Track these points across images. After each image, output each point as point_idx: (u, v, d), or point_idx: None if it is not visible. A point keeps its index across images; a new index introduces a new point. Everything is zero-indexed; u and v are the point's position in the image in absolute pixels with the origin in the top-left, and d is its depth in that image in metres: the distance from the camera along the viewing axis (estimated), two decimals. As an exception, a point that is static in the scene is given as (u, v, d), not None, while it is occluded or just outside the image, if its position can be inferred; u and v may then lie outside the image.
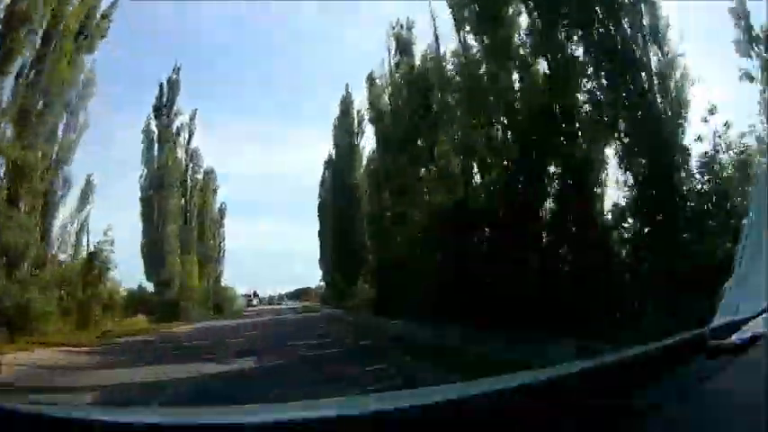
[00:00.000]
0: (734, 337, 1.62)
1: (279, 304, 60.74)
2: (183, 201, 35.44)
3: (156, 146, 32.00)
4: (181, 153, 34.21)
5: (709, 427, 1.18)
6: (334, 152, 34.86)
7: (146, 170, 32.02)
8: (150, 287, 31.83)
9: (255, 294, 70.96)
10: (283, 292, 79.82)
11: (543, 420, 1.24)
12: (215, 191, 41.05)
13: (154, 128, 32.05)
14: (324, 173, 40.38)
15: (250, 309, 50.97)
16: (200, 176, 37.30)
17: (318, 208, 42.05)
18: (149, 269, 31.57)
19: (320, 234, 42.52)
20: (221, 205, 42.79)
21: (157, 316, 27.66)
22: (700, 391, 1.35)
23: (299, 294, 74.87)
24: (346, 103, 33.41)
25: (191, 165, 35.97)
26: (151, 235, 31.91)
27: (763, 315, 1.70)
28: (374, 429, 1.31)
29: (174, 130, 32.98)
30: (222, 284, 44.40)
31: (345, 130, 33.13)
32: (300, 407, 1.81)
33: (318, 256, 44.36)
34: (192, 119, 34.58)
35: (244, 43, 69.52)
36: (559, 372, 1.69)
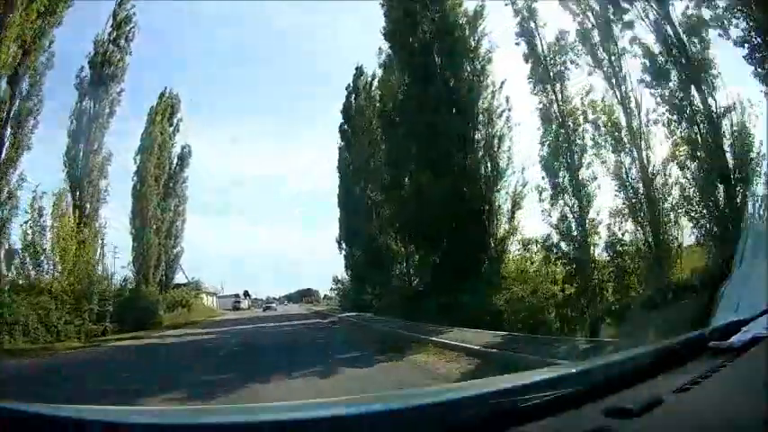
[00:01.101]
0: (734, 338, 1.62)
1: (274, 309, 47.71)
2: (85, 102, 18.04)
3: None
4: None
5: (709, 426, 1.18)
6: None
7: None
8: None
9: (247, 294, 58.63)
10: (281, 295, 72.25)
11: (543, 420, 1.24)
12: (178, 123, 24.82)
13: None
14: (352, 84, 25.61)
15: (237, 313, 37.00)
16: (124, 58, 19.35)
17: (340, 151, 26.80)
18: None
19: (342, 191, 26.81)
20: (184, 148, 26.22)
21: None
22: (700, 389, 1.35)
23: (301, 296, 67.20)
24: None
25: (113, 43, 19.01)
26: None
27: (764, 315, 1.70)
28: (375, 429, 1.31)
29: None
30: (182, 273, 26.47)
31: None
32: (301, 407, 1.81)
33: (338, 232, 27.94)
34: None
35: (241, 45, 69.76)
36: (560, 372, 1.69)
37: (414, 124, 14.39)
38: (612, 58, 11.47)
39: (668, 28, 10.78)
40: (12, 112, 14.55)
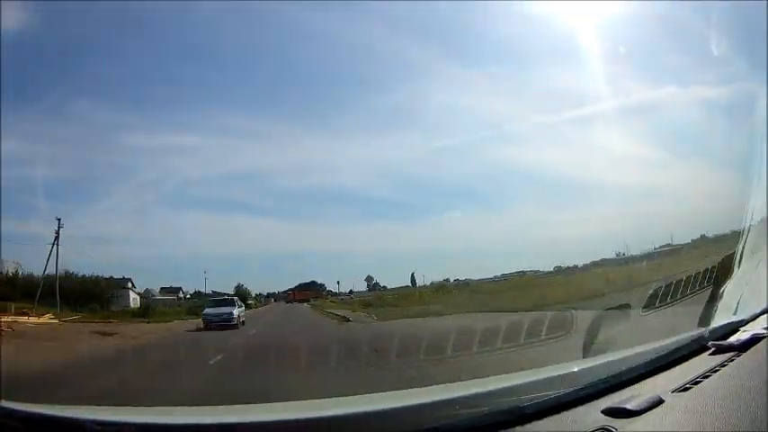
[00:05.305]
0: (734, 338, 1.62)
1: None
2: None
3: None
4: None
5: (709, 424, 1.18)
6: None
7: None
8: None
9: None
10: (279, 291, 61.41)
11: (544, 420, 1.24)
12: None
13: None
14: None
15: None
16: None
17: None
18: None
19: None
20: None
21: None
22: (700, 389, 1.35)
23: (303, 290, 52.81)
24: None
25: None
26: None
27: (763, 315, 1.70)
28: (375, 428, 1.30)
29: None
30: None
31: None
32: (301, 407, 1.81)
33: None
34: None
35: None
36: (561, 371, 1.68)
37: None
38: None
39: None
40: None
